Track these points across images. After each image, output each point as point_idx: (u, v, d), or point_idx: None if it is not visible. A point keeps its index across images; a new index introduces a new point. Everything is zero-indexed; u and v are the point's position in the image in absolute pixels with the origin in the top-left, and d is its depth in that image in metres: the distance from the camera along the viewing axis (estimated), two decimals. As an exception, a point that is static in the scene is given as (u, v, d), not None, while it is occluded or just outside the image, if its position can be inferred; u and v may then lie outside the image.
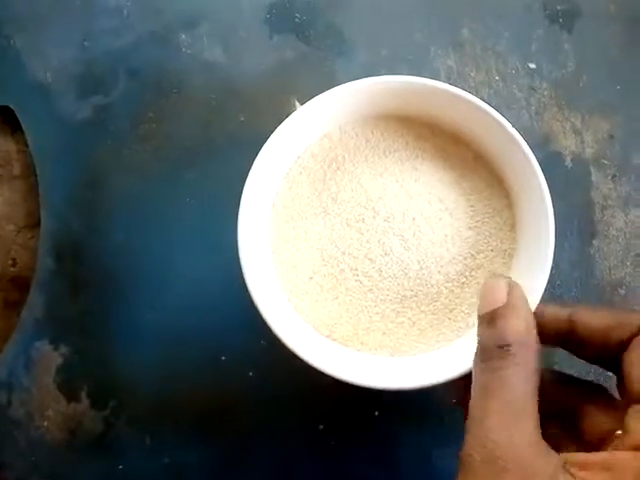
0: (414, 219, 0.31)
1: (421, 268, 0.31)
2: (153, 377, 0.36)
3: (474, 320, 0.32)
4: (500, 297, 0.26)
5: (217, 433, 0.35)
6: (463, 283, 0.31)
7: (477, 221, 0.31)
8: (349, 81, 0.36)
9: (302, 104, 0.35)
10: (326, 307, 0.32)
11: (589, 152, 0.38)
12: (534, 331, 0.25)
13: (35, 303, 0.36)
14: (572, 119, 0.38)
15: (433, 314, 0.31)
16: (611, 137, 0.38)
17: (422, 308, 0.31)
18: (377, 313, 0.31)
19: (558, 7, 0.39)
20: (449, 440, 0.32)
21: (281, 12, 0.39)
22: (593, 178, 0.37)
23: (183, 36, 0.38)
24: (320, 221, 0.32)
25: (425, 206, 0.31)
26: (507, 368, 0.24)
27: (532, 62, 0.38)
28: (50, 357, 0.36)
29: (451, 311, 0.31)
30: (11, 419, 0.36)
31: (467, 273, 0.31)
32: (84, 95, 0.34)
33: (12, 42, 0.39)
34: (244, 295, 0.29)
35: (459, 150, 0.33)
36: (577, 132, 0.38)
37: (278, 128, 0.31)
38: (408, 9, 0.39)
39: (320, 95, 0.31)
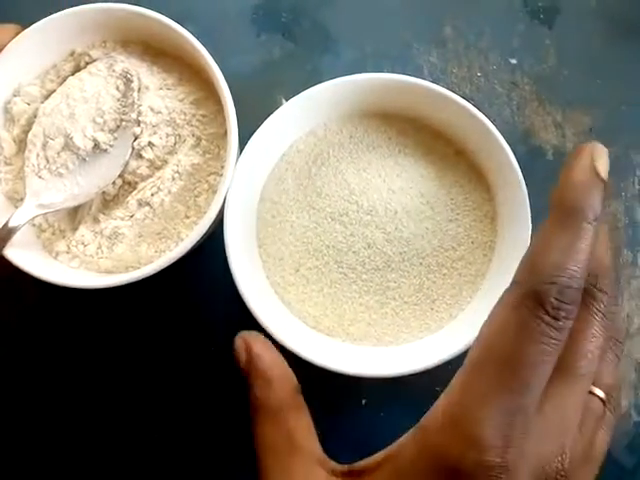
0: (396, 212, 0.32)
1: (403, 260, 0.32)
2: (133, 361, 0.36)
3: (456, 311, 0.33)
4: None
5: (204, 422, 0.36)
6: (445, 275, 0.32)
7: (457, 214, 0.32)
8: (334, 77, 0.37)
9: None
10: (312, 299, 0.33)
11: (570, 146, 0.38)
12: None
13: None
14: (553, 113, 0.39)
15: (416, 305, 0.32)
16: (591, 130, 0.38)
17: (405, 299, 0.32)
18: (361, 304, 0.32)
19: (539, 3, 0.40)
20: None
21: (267, 11, 0.40)
22: (574, 171, 0.38)
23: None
24: (305, 215, 0.33)
25: (407, 200, 0.32)
26: None
27: (513, 58, 0.39)
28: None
29: (433, 302, 0.32)
30: None
31: (448, 265, 0.32)
32: None
33: None
34: (231, 287, 0.30)
35: (440, 145, 0.33)
36: (558, 126, 0.39)
37: (263, 124, 0.31)
38: (392, 7, 0.40)
39: (305, 92, 0.32)
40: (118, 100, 0.32)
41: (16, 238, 0.31)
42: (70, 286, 0.31)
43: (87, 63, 0.34)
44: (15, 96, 0.34)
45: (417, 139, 0.33)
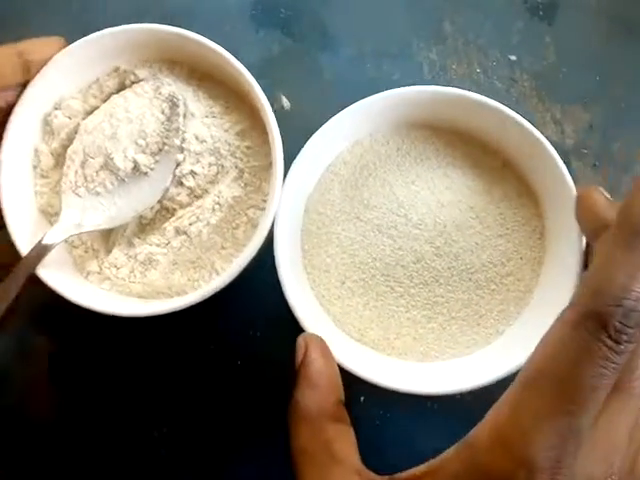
0: (445, 226, 0.31)
1: (452, 275, 0.31)
2: (146, 366, 0.36)
3: (503, 327, 0.32)
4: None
5: (206, 421, 0.36)
6: (493, 290, 0.32)
7: (507, 229, 0.32)
8: (335, 75, 0.37)
9: (288, 98, 0.36)
10: (357, 312, 0.32)
11: (569, 142, 0.38)
12: None
13: (29, 291, 0.37)
14: (552, 110, 0.38)
15: (463, 320, 0.32)
16: (591, 127, 0.38)
17: (453, 314, 0.32)
18: (408, 319, 0.32)
19: (538, 0, 0.39)
20: (435, 425, 0.34)
21: (266, 7, 0.40)
22: (573, 167, 0.38)
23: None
24: (352, 227, 0.32)
25: (456, 214, 0.31)
26: None
27: (513, 54, 0.39)
28: (42, 346, 0.37)
29: (481, 317, 0.32)
30: (2, 407, 0.36)
31: (497, 280, 0.32)
32: None
33: None
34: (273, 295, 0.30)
35: (488, 158, 0.33)
36: (557, 122, 0.38)
37: (312, 137, 0.31)
38: (391, 3, 0.40)
39: (353, 105, 0.31)
40: (162, 124, 0.32)
41: (48, 254, 0.31)
42: (106, 313, 0.30)
43: (132, 82, 0.34)
44: (56, 109, 0.33)
45: (465, 151, 0.33)
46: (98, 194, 0.32)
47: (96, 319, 0.35)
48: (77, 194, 0.32)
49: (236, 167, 0.32)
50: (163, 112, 0.32)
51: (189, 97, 0.33)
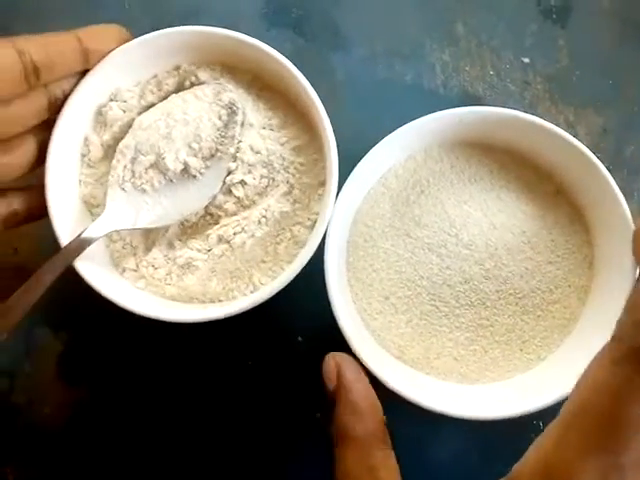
0: (496, 249, 0.31)
1: (499, 299, 0.31)
2: (155, 364, 0.36)
3: (545, 354, 0.32)
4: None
5: (216, 421, 0.35)
6: (538, 316, 0.31)
7: (557, 256, 0.32)
8: (347, 75, 0.37)
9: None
10: (399, 328, 0.32)
11: None
12: None
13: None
14: (565, 113, 0.38)
15: (506, 344, 0.32)
16: (604, 131, 0.38)
17: (496, 338, 0.31)
18: (450, 339, 0.32)
19: (552, 2, 0.39)
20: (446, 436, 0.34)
21: (278, 7, 0.39)
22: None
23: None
24: (401, 243, 0.32)
25: (508, 237, 0.31)
26: None
27: (526, 57, 0.38)
28: (51, 344, 0.36)
29: (524, 342, 0.32)
30: (12, 405, 0.36)
31: (543, 307, 0.31)
32: None
33: (12, 33, 0.38)
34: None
35: (541, 182, 0.33)
36: (570, 126, 0.38)
37: (368, 154, 0.31)
38: (403, 4, 0.39)
39: (409, 124, 0.31)
40: (218, 130, 0.31)
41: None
42: (143, 315, 0.30)
43: (193, 84, 0.33)
44: (111, 100, 0.32)
45: (518, 174, 0.33)
46: (144, 192, 0.32)
47: (108, 317, 0.35)
48: (123, 189, 0.32)
49: (287, 182, 0.32)
50: (220, 118, 0.31)
51: (249, 106, 0.32)
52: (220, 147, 0.31)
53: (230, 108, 0.31)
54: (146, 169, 0.31)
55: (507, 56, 0.38)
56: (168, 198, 0.32)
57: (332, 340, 0.35)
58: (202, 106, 0.32)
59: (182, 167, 0.31)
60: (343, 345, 0.35)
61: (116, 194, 0.32)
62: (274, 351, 0.36)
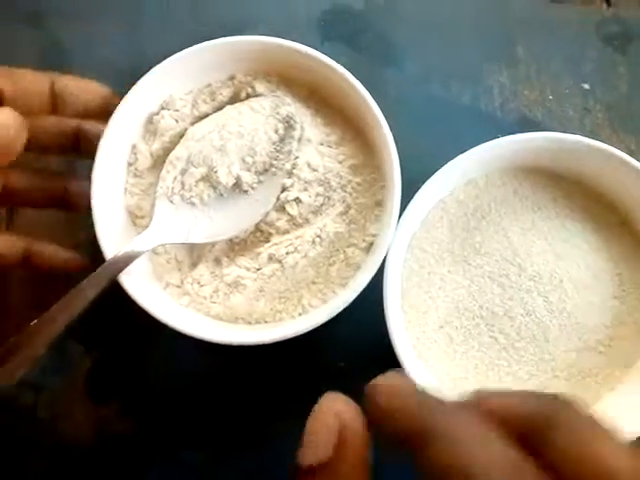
0: (561, 281, 0.30)
1: (562, 333, 0.30)
2: (186, 382, 0.34)
3: (605, 390, 0.30)
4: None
5: (249, 445, 0.34)
6: (600, 352, 0.30)
7: (623, 290, 0.30)
8: (400, 92, 0.36)
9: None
10: (454, 360, 0.31)
11: None
12: None
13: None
14: (626, 141, 0.37)
15: (566, 380, 0.30)
16: None
17: (557, 373, 0.30)
18: (508, 373, 0.30)
19: (612, 30, 0.38)
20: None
21: (333, 19, 0.38)
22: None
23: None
24: (460, 270, 0.31)
25: (574, 269, 0.30)
26: None
27: (586, 83, 0.37)
28: (80, 359, 0.35)
29: (584, 378, 0.30)
30: (37, 421, 0.34)
31: (606, 342, 0.30)
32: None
33: (56, 36, 0.37)
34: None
35: (606, 213, 0.32)
36: (632, 154, 0.37)
37: (431, 178, 0.29)
38: (461, 22, 0.38)
39: (471, 150, 0.30)
40: (274, 144, 0.30)
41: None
42: (187, 334, 0.28)
43: (248, 95, 0.32)
44: (163, 109, 0.31)
45: (583, 204, 0.31)
46: (193, 205, 0.30)
47: (141, 332, 0.33)
48: (171, 201, 0.30)
49: (343, 202, 0.31)
50: (277, 132, 0.30)
51: (307, 121, 0.31)
52: (275, 162, 0.30)
53: (287, 122, 0.30)
54: (196, 182, 0.30)
55: (567, 81, 0.37)
56: (217, 213, 0.30)
57: (374, 367, 0.34)
58: (258, 119, 0.30)
59: (234, 181, 0.30)
60: (384, 371, 0.34)
61: (164, 206, 0.30)
62: (313, 376, 0.34)
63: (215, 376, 0.34)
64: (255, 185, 0.30)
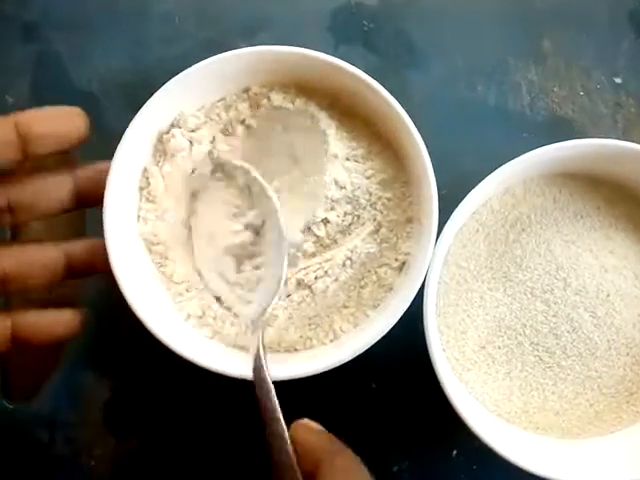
0: (609, 295, 0.28)
1: (609, 348, 0.28)
2: (212, 415, 0.33)
3: (654, 406, 0.29)
4: None
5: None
6: (649, 367, 0.29)
7: (671, 301, 0.29)
8: (425, 96, 0.34)
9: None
10: (496, 381, 0.29)
11: None
12: None
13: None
14: None
15: (613, 397, 0.29)
16: None
17: (603, 390, 0.29)
18: (554, 393, 0.29)
19: None
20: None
21: (346, 19, 0.35)
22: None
23: (241, 45, 0.34)
24: (500, 287, 0.29)
25: (620, 282, 0.28)
26: None
27: (618, 77, 0.35)
28: (97, 391, 0.33)
29: (631, 395, 0.29)
30: (54, 458, 0.33)
31: (655, 356, 0.29)
32: (133, 107, 0.30)
33: (53, 47, 0.34)
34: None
35: (650, 219, 0.30)
36: None
37: (470, 193, 0.27)
38: (484, 16, 0.36)
39: (512, 162, 0.28)
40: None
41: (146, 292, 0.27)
42: (210, 369, 0.27)
43: (265, 107, 0.29)
44: (174, 127, 0.28)
45: (626, 211, 0.30)
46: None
47: (158, 361, 0.31)
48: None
49: (374, 220, 0.28)
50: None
51: (332, 134, 0.28)
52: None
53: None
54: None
55: (598, 76, 0.35)
56: None
57: (407, 389, 0.33)
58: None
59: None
60: (418, 394, 0.32)
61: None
62: (345, 398, 0.33)
63: (238, 404, 0.32)
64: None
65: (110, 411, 0.33)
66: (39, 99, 0.34)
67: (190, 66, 0.28)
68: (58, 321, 0.27)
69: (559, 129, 0.34)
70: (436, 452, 0.33)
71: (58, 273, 0.27)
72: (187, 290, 0.29)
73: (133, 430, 0.33)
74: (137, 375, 0.33)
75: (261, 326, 0.27)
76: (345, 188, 0.28)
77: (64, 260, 0.27)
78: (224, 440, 0.32)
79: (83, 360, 0.33)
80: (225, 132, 0.29)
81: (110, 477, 0.33)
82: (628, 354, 0.28)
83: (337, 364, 0.27)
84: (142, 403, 0.33)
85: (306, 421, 0.26)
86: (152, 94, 0.28)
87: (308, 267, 0.28)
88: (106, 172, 0.26)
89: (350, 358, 0.27)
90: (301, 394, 0.32)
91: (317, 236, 0.28)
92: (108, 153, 0.28)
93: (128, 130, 0.27)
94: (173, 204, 0.29)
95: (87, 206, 0.27)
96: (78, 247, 0.27)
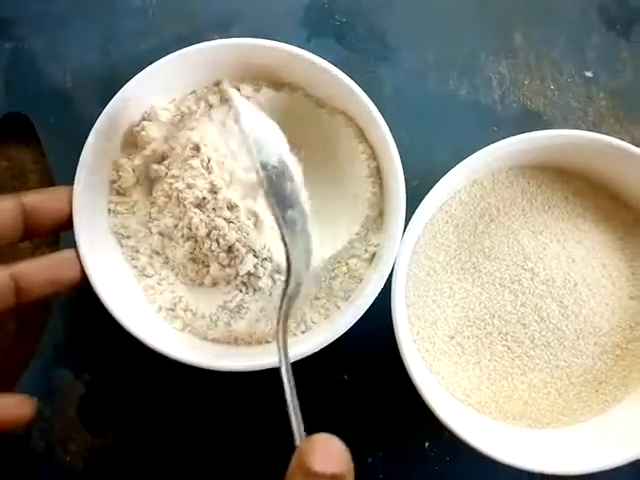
0: (576, 285, 0.28)
1: (578, 338, 0.28)
2: (187, 409, 0.33)
3: (622, 394, 0.29)
4: None
5: (249, 468, 0.33)
6: (617, 355, 0.29)
7: (639, 290, 0.29)
8: (395, 90, 0.34)
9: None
10: (466, 371, 0.29)
11: None
12: None
13: (56, 328, 0.33)
14: (632, 132, 0.35)
15: (582, 386, 0.29)
16: None
17: (572, 380, 0.29)
18: (523, 382, 0.29)
19: (615, 13, 0.36)
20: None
21: (319, 13, 0.36)
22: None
23: (215, 39, 0.34)
24: (468, 277, 0.29)
25: (588, 271, 0.28)
26: None
27: (589, 70, 0.35)
28: (72, 386, 0.33)
29: (600, 384, 0.29)
30: (31, 452, 0.33)
31: (623, 345, 0.29)
32: (108, 101, 0.30)
33: (26, 44, 0.35)
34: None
35: (619, 211, 0.30)
36: (638, 145, 0.36)
37: (437, 185, 0.27)
38: (456, 11, 0.36)
39: (476, 153, 0.28)
40: None
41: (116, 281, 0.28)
42: (184, 362, 0.27)
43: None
44: (145, 120, 0.29)
45: (595, 202, 0.30)
46: None
47: (134, 356, 0.31)
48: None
49: None
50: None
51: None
52: None
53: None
54: None
55: (568, 69, 0.35)
56: None
57: (379, 380, 0.33)
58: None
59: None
60: (390, 385, 0.32)
61: None
62: (318, 390, 0.33)
63: (214, 396, 0.33)
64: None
65: (85, 406, 0.33)
66: (13, 96, 0.34)
67: (162, 59, 0.28)
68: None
69: (530, 123, 0.34)
70: (410, 443, 0.33)
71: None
72: (158, 283, 0.29)
73: (108, 425, 0.33)
74: (112, 370, 0.33)
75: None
76: None
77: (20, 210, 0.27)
78: (199, 433, 0.33)
79: (58, 355, 0.33)
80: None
81: (85, 471, 0.33)
82: (596, 343, 0.29)
83: (307, 354, 0.27)
84: (117, 398, 0.33)
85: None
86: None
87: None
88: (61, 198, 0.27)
89: (319, 348, 0.27)
90: (272, 386, 0.32)
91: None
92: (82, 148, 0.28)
93: (97, 123, 0.27)
94: (143, 197, 0.29)
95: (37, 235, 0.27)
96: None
